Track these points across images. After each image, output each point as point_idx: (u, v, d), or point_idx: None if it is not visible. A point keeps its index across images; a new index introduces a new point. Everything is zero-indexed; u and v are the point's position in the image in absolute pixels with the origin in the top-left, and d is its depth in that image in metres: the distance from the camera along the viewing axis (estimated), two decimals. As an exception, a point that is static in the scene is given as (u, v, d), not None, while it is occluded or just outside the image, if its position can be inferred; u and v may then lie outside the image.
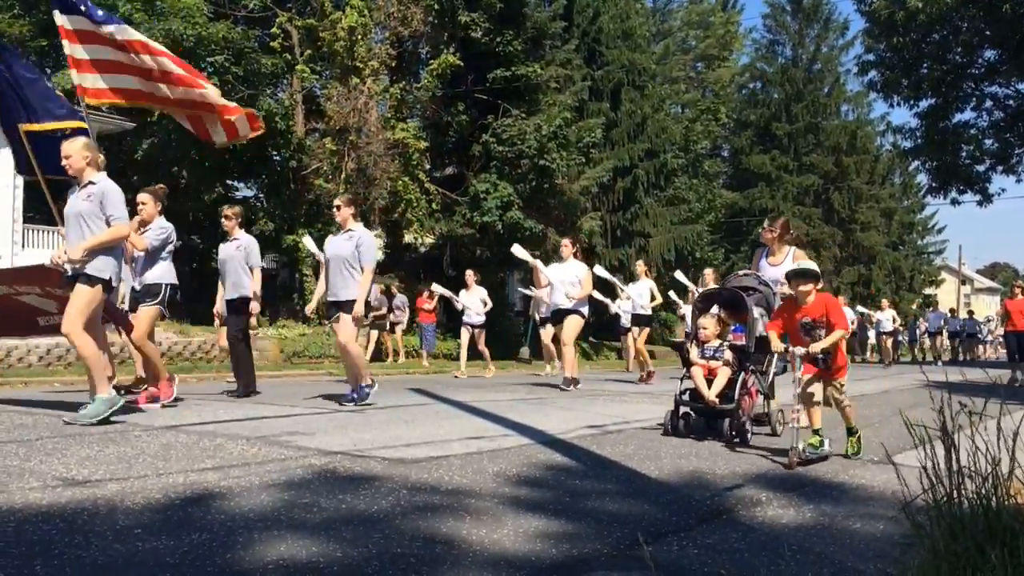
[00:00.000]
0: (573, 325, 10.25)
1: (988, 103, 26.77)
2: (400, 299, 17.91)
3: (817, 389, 5.08)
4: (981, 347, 34.14)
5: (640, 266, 14.12)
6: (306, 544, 2.86)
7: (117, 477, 3.80)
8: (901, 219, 45.73)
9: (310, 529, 3.05)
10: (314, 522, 3.15)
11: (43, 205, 10.92)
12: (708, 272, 11.66)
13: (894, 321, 24.74)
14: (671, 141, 28.52)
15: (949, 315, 29.71)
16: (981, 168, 27.31)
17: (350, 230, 7.60)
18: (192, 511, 3.23)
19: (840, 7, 56.85)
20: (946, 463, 2.19)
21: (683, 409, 6.09)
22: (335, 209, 7.80)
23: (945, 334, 28.29)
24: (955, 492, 2.19)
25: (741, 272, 6.99)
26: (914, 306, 42.11)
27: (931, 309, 32.47)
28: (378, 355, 16.87)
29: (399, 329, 17.76)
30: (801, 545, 3.12)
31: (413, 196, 19.77)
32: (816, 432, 5.14)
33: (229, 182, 24.17)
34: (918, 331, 29.81)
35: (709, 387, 5.88)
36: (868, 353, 29.86)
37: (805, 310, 5.15)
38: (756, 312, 6.01)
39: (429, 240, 22.15)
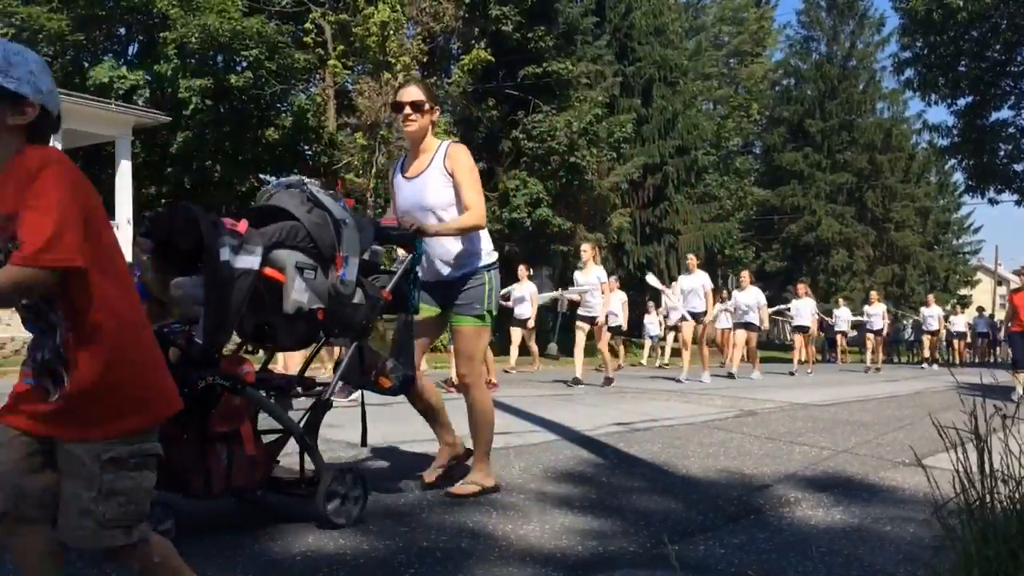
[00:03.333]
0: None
1: (1028, 101, 26.34)
2: None
3: None
4: (999, 347, 32.77)
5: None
6: (333, 536, 2.88)
7: (149, 466, 3.85)
8: (936, 218, 45.06)
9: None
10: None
11: None
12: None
13: (945, 320, 23.80)
14: (702, 138, 28.31)
15: (977, 314, 29.18)
16: (1019, 167, 26.87)
17: None
18: (221, 502, 3.27)
19: (876, 3, 56.22)
20: (979, 466, 2.16)
21: None
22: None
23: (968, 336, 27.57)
24: (988, 496, 2.16)
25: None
26: (948, 306, 41.52)
27: (978, 314, 31.29)
28: None
29: None
30: (830, 547, 3.09)
31: (443, 192, 19.82)
32: None
33: (261, 175, 24.42)
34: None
35: None
36: (914, 353, 28.92)
37: None
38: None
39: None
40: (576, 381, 10.48)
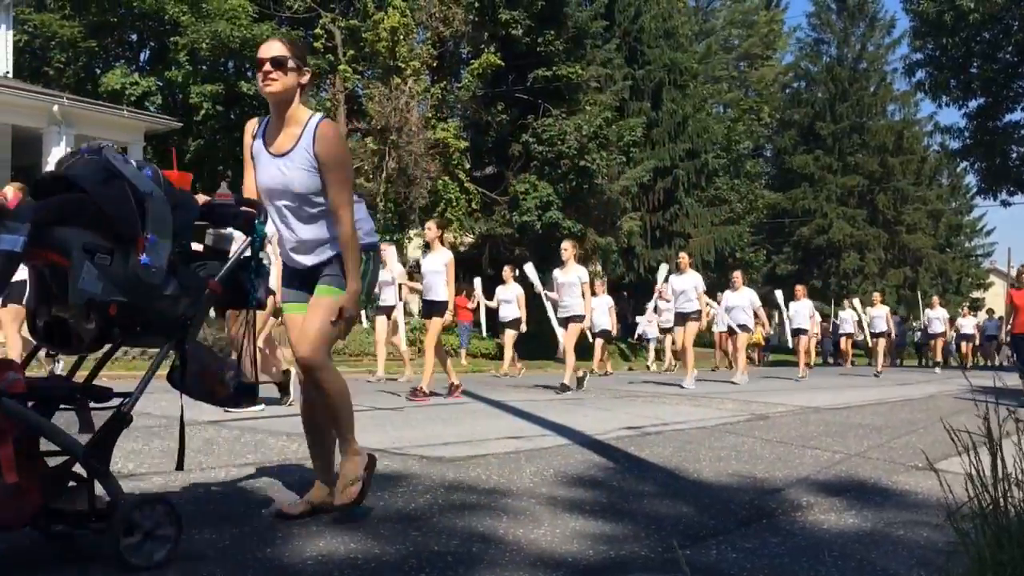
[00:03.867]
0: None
1: (1040, 103, 26.21)
2: None
3: None
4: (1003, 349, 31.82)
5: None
6: (344, 540, 2.88)
7: (161, 471, 3.87)
8: (948, 221, 44.87)
9: (348, 525, 3.08)
10: (352, 518, 3.18)
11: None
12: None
13: (951, 322, 23.47)
14: (712, 141, 28.27)
15: (987, 317, 28.89)
16: (1032, 169, 26.74)
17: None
18: (233, 505, 3.28)
19: (886, 5, 56.16)
20: (992, 470, 2.15)
21: None
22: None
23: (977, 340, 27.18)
24: (1001, 500, 2.14)
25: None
26: (959, 309, 41.28)
27: (988, 316, 30.78)
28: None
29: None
30: (843, 551, 3.08)
31: (453, 195, 19.87)
32: None
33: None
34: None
35: None
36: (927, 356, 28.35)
37: None
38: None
39: (468, 240, 22.23)
40: (564, 387, 9.77)
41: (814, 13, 41.06)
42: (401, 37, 18.77)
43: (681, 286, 12.02)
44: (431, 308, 8.82)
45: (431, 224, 9.19)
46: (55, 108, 16.07)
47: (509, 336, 14.00)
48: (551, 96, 21.35)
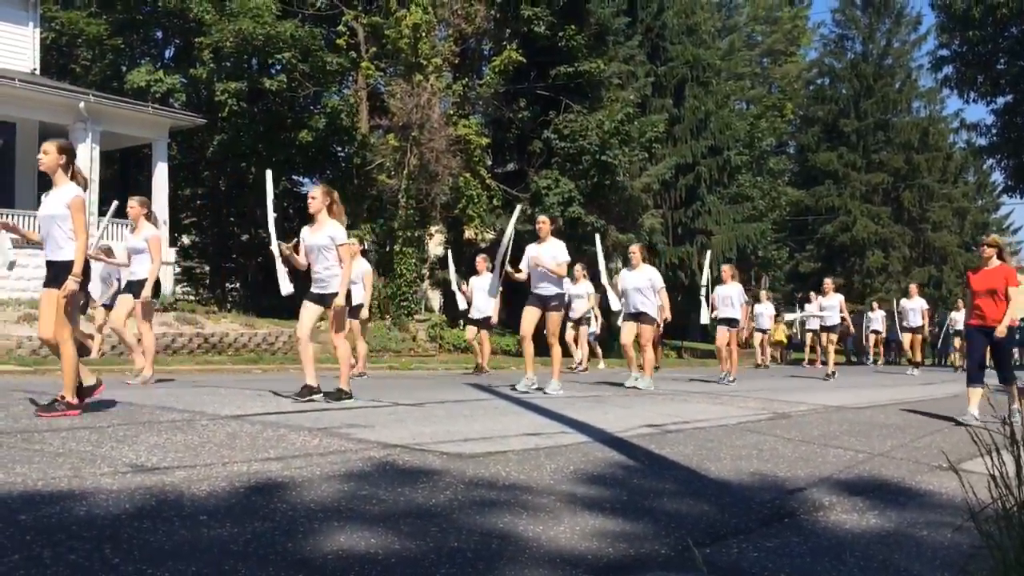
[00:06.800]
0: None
1: (1069, 100, 25.85)
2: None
3: None
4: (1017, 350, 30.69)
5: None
6: (365, 535, 2.90)
7: (184, 465, 3.91)
8: (975, 219, 44.39)
9: (369, 520, 3.09)
10: (373, 514, 3.19)
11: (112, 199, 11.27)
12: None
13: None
14: (735, 138, 28.11)
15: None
16: (1060, 167, 26.39)
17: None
18: (255, 499, 3.30)
19: (913, 1, 55.39)
20: (1016, 471, 2.13)
21: None
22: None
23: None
24: (1027, 502, 2.12)
25: None
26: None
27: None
28: None
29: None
30: (865, 552, 3.05)
31: (475, 192, 19.89)
32: None
33: (295, 177, 24.65)
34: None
35: None
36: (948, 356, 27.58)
37: None
38: None
39: (490, 236, 22.26)
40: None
41: (839, 9, 40.81)
42: (423, 34, 18.79)
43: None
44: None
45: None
46: (81, 105, 16.25)
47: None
48: (573, 92, 21.31)
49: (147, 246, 8.23)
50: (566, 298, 10.15)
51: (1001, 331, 7.52)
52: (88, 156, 16.41)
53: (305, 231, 7.02)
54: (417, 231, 20.01)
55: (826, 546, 3.10)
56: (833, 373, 14.85)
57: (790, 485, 4.24)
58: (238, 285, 25.69)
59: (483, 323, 12.26)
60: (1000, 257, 7.78)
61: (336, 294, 6.82)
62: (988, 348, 7.80)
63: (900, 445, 5.85)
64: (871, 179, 37.72)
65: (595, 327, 15.51)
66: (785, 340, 25.96)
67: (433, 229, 21.80)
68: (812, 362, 21.70)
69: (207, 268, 26.39)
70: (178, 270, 23.13)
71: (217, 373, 10.93)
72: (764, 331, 20.42)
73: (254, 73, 20.82)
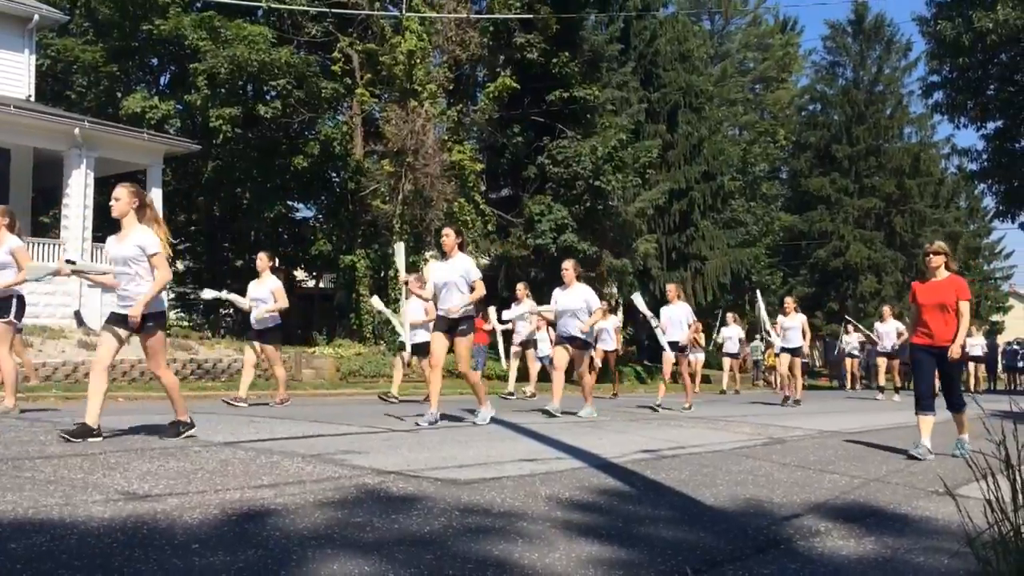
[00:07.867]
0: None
1: (1059, 125, 26.08)
2: None
3: None
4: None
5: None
6: (359, 563, 2.87)
7: (176, 492, 3.88)
8: (967, 243, 44.57)
9: (363, 548, 3.07)
10: (367, 541, 3.17)
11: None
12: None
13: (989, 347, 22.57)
14: (728, 163, 28.28)
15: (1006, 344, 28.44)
16: (1051, 191, 26.57)
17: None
18: (248, 527, 3.27)
19: (903, 28, 55.97)
20: (1012, 497, 2.12)
21: None
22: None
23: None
24: (1022, 527, 2.12)
25: None
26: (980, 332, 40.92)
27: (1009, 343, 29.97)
28: None
29: None
30: (861, 578, 3.04)
31: (469, 217, 19.93)
32: None
33: (289, 202, 24.69)
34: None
35: None
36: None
37: None
38: None
39: (484, 261, 22.29)
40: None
41: (830, 36, 41.12)
42: (418, 60, 18.91)
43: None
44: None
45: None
46: (76, 131, 16.27)
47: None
48: (566, 118, 21.43)
49: (12, 259, 7.36)
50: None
51: (954, 352, 6.49)
52: (82, 183, 16.44)
53: (110, 241, 5.94)
54: (412, 257, 20.02)
55: (822, 572, 3.08)
56: (796, 400, 13.77)
57: (786, 511, 4.22)
58: (232, 311, 25.64)
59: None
60: (948, 267, 6.73)
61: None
62: (936, 371, 6.72)
63: (896, 470, 5.84)
64: (863, 204, 37.90)
65: (547, 350, 14.90)
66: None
67: (428, 255, 21.80)
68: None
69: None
70: (172, 296, 23.08)
71: (211, 400, 10.88)
72: (733, 355, 20.22)
73: (249, 99, 20.90)
